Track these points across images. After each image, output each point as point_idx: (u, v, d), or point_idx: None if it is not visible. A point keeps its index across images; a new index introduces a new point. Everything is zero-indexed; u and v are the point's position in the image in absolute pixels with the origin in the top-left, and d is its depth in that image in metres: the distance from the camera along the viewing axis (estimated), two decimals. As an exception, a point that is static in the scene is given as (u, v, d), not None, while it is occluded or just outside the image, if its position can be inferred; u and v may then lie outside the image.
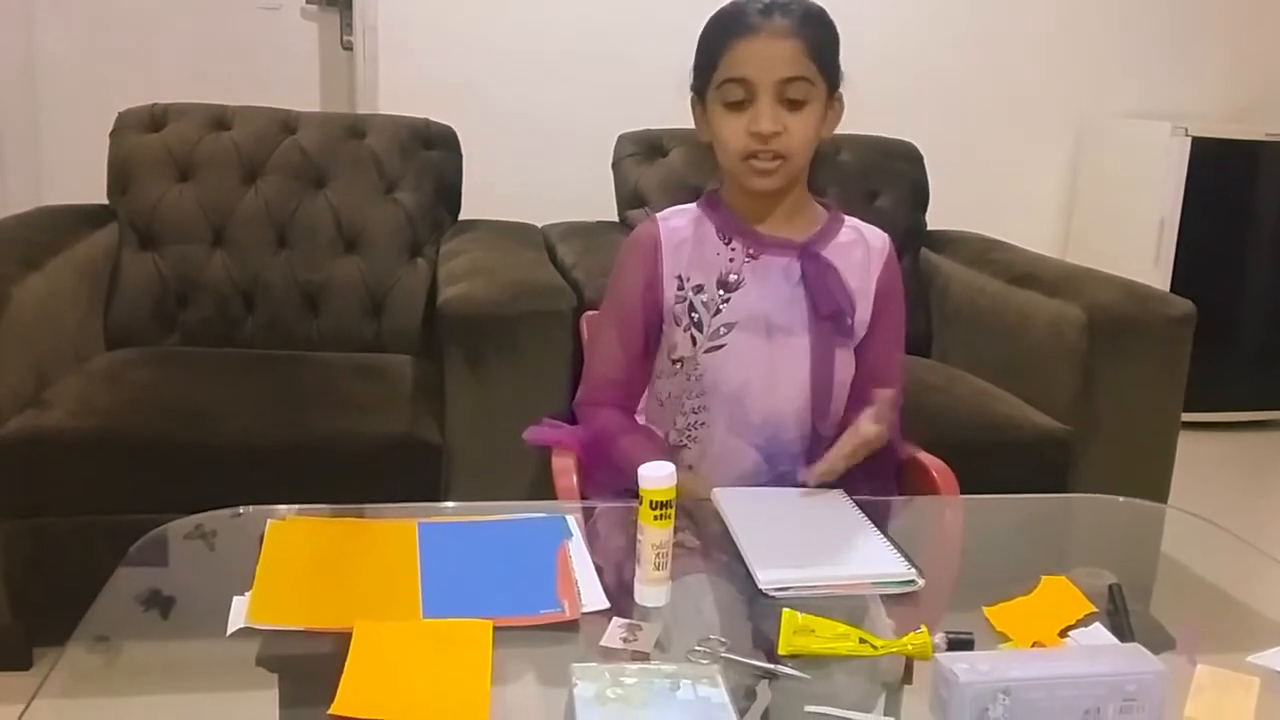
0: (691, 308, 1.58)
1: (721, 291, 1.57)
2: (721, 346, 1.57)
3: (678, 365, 1.60)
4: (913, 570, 1.27)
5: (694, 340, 1.58)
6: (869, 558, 1.31)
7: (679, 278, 1.59)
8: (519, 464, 2.17)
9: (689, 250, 1.59)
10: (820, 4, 1.53)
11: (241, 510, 1.37)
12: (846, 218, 1.64)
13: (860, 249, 1.61)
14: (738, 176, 1.54)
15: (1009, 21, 3.77)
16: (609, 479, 1.58)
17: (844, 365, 1.60)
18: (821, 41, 1.50)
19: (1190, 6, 3.90)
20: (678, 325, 1.59)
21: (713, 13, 1.53)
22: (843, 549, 1.35)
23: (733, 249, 1.58)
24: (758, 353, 1.56)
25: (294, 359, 2.54)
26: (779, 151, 1.49)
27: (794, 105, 1.48)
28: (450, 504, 1.83)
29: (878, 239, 1.64)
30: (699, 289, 1.58)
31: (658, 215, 1.64)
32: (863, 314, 1.60)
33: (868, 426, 1.47)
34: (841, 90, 1.55)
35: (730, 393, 1.57)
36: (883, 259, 1.62)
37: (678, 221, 1.61)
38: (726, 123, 1.50)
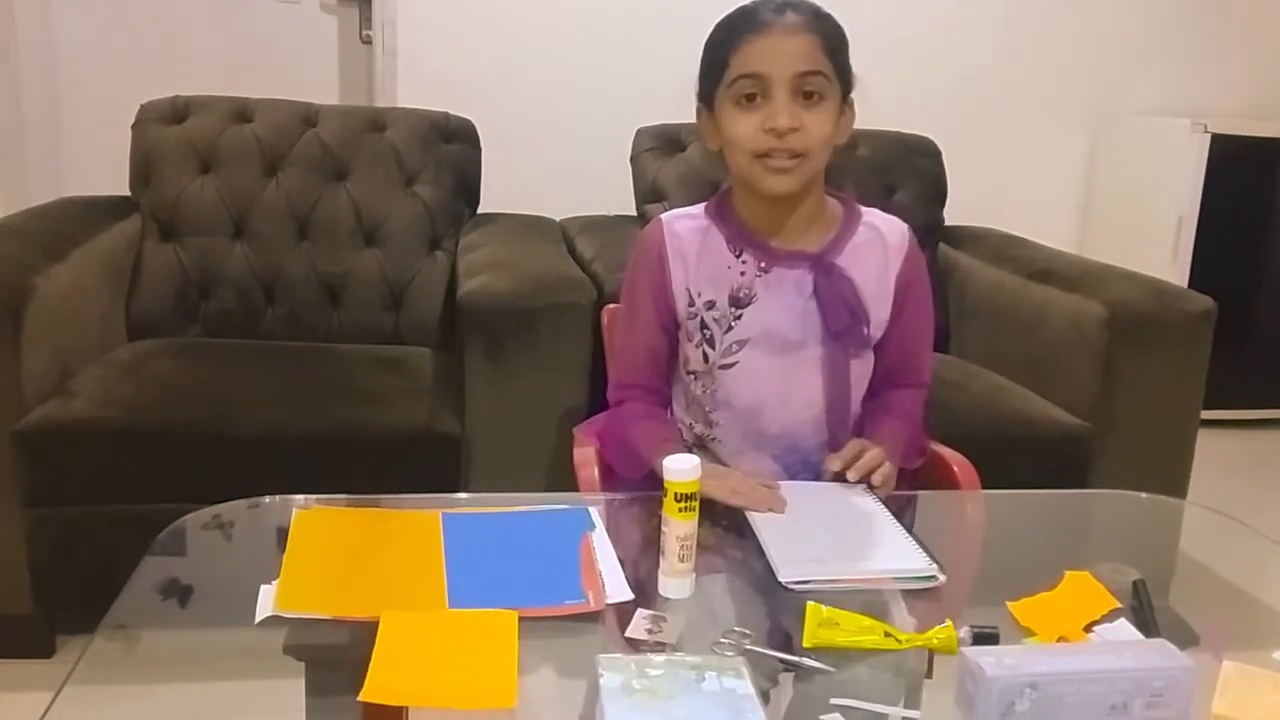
0: (703, 324, 1.55)
1: (734, 308, 1.54)
2: (734, 364, 1.55)
3: (692, 377, 1.59)
4: (934, 565, 1.27)
5: (706, 357, 1.56)
6: (891, 552, 1.31)
7: (688, 291, 1.55)
8: (538, 456, 2.19)
9: (697, 262, 1.55)
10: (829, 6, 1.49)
11: (260, 501, 1.38)
12: (864, 210, 1.59)
13: (877, 247, 1.56)
14: (752, 179, 1.47)
15: (1028, 17, 3.75)
16: (625, 468, 1.58)
17: (860, 373, 1.58)
18: (835, 40, 1.46)
19: (1210, 3, 3.88)
20: (690, 340, 1.57)
21: (721, 16, 1.50)
22: (864, 544, 1.35)
23: (744, 262, 1.54)
24: (771, 369, 1.54)
25: (314, 351, 2.55)
26: (796, 149, 1.43)
27: (810, 101, 1.43)
28: (471, 495, 1.84)
29: (895, 234, 1.58)
30: (710, 305, 1.55)
31: (663, 217, 1.60)
32: (881, 315, 1.56)
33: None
34: (853, 96, 1.51)
35: (745, 408, 1.56)
36: (901, 254, 1.57)
37: (684, 227, 1.57)
38: (739, 121, 1.44)
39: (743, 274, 1.54)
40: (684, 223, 1.58)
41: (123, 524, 2.03)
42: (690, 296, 1.55)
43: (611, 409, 1.66)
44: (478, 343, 2.18)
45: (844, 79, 1.48)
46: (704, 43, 1.51)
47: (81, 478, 2.08)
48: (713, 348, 1.55)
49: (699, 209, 1.60)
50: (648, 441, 1.54)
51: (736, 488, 1.42)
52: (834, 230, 1.56)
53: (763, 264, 1.54)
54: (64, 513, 2.09)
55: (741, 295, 1.54)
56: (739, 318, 1.54)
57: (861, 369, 1.59)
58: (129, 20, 3.45)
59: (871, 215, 1.60)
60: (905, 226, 1.61)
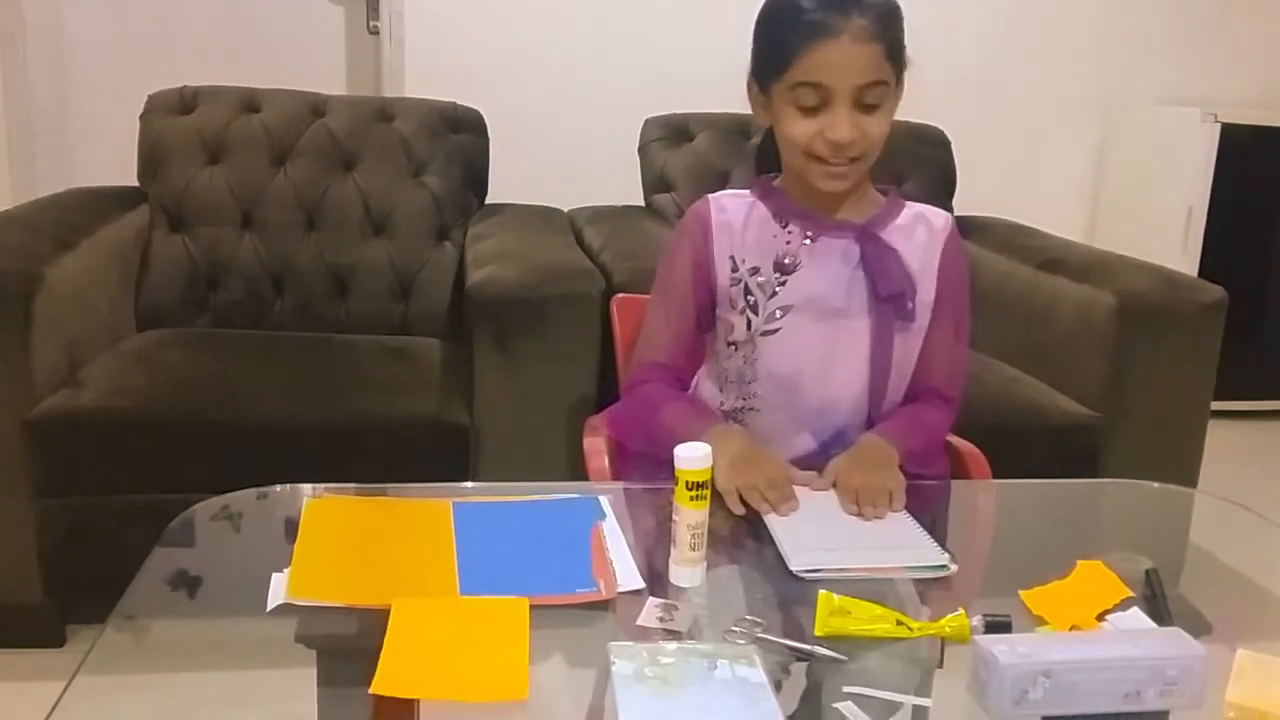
0: (747, 290, 1.56)
1: (778, 274, 1.55)
2: (777, 330, 1.54)
3: (732, 348, 1.58)
4: (946, 555, 1.26)
5: (749, 323, 1.55)
6: (902, 542, 1.31)
7: (732, 259, 1.56)
8: (547, 445, 2.19)
9: (743, 231, 1.57)
10: None
11: (269, 490, 1.38)
12: (907, 203, 1.61)
13: (922, 228, 1.58)
14: (806, 175, 1.49)
15: (1038, 6, 3.74)
16: (649, 450, 1.56)
17: (904, 348, 1.57)
18: (898, 38, 1.45)
19: (1220, -8, 3.87)
20: (733, 308, 1.57)
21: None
22: (875, 533, 1.34)
23: (790, 231, 1.56)
24: (814, 337, 1.54)
25: (322, 341, 2.55)
26: (853, 156, 1.45)
27: (870, 108, 1.43)
28: (480, 484, 1.83)
29: (939, 219, 1.60)
30: (755, 271, 1.55)
31: (710, 196, 1.62)
32: (925, 295, 1.56)
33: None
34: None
35: (785, 377, 1.55)
36: (944, 237, 1.59)
37: (730, 202, 1.59)
38: (797, 124, 1.45)
39: (789, 242, 1.56)
40: (730, 199, 1.60)
41: (132, 514, 2.04)
42: (734, 263, 1.57)
43: (631, 389, 1.65)
44: (486, 333, 2.18)
45: (901, 70, 1.47)
46: (760, 16, 1.49)
47: (91, 468, 2.08)
48: (756, 314, 1.55)
49: (744, 190, 1.62)
50: (680, 422, 1.53)
51: (746, 489, 1.39)
52: (878, 210, 1.58)
53: (809, 233, 1.55)
54: (74, 503, 2.09)
55: (787, 262, 1.55)
56: (783, 284, 1.55)
57: (906, 349, 1.57)
58: (137, 11, 3.45)
59: (916, 206, 1.62)
60: (950, 215, 1.63)
